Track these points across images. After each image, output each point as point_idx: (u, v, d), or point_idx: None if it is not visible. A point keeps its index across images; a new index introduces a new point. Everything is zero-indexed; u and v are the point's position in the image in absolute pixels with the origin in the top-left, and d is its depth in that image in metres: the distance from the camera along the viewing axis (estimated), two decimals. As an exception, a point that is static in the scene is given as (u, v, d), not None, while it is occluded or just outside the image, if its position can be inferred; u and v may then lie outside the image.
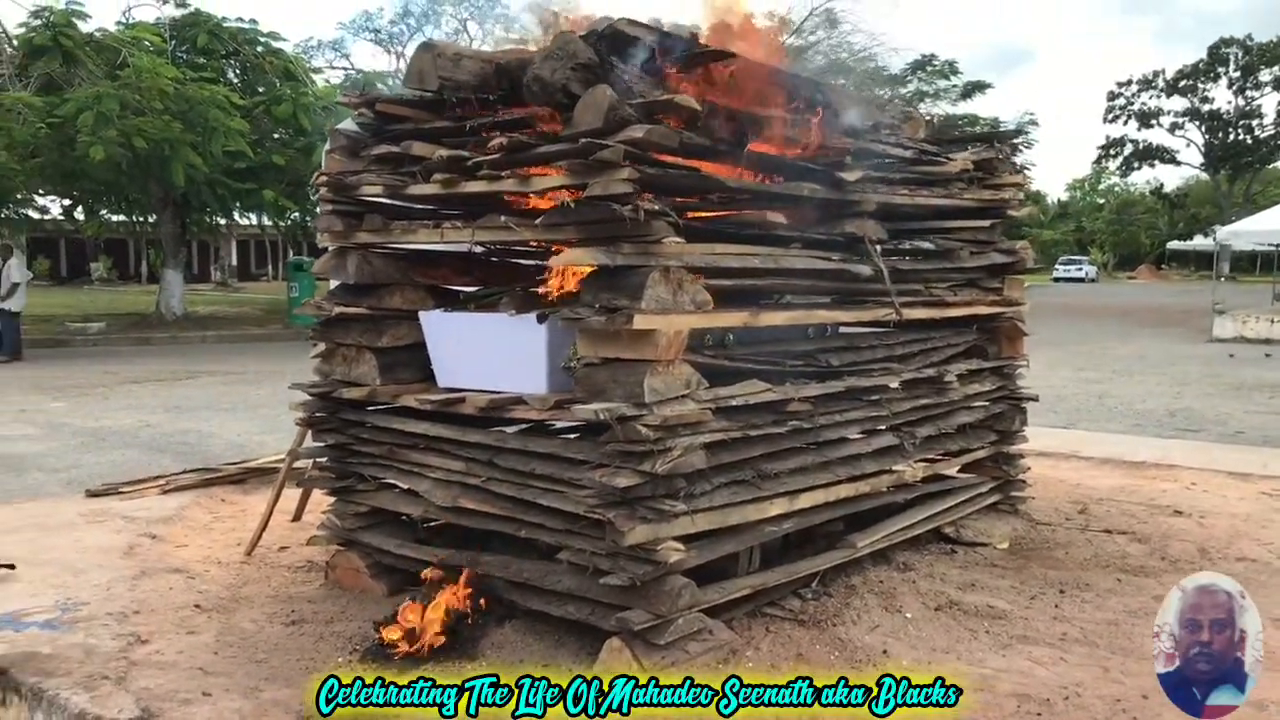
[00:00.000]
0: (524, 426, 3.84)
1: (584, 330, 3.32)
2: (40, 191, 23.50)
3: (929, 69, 37.57)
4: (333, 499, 4.29)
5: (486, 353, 3.75)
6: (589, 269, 3.36)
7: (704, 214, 3.86)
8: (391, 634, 3.57)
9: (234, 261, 49.11)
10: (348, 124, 4.15)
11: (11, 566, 4.14)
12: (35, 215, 25.40)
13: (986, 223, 4.94)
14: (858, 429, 4.21)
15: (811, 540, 4.28)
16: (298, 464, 4.90)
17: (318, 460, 4.32)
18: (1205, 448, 7.64)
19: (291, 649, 3.60)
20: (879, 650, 3.53)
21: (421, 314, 3.97)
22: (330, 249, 4.08)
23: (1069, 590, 4.17)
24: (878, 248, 4.12)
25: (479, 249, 4.27)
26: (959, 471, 5.09)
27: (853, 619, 3.78)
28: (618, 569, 3.27)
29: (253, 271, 52.34)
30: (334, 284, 4.13)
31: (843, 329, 4.50)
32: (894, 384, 4.38)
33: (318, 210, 4.23)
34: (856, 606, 3.89)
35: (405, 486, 4.05)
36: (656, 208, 3.22)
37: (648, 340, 3.22)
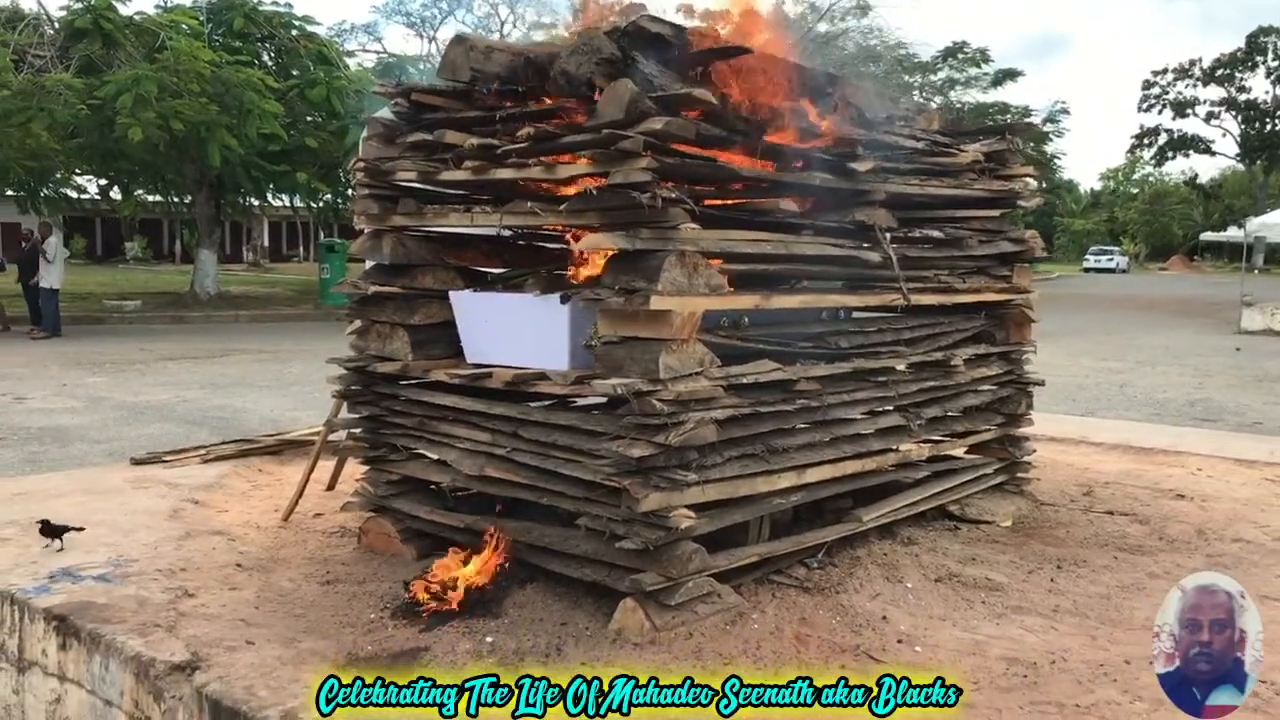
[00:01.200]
0: (552, 401, 4.06)
1: (604, 310, 3.53)
2: (78, 171, 24.00)
3: (960, 56, 37.43)
4: (366, 468, 4.53)
5: (512, 331, 3.97)
6: (610, 252, 3.58)
7: (720, 201, 4.07)
8: (420, 593, 3.80)
9: (266, 242, 49.71)
10: (384, 112, 4.36)
11: (80, 529, 4.39)
12: (73, 194, 25.93)
13: (996, 212, 5.10)
14: (865, 409, 4.40)
15: (820, 514, 4.49)
16: (332, 435, 5.15)
17: (352, 431, 4.57)
18: (1215, 435, 7.77)
19: (326, 605, 3.85)
20: (879, 616, 3.73)
21: (452, 294, 4.19)
22: (366, 231, 4.31)
23: (1066, 566, 4.36)
24: (887, 235, 4.31)
25: (507, 233, 4.49)
26: (966, 452, 5.26)
27: (855, 587, 3.98)
28: (632, 534, 3.48)
29: (284, 252, 52.95)
30: (369, 264, 4.35)
31: (856, 313, 4.70)
32: (901, 366, 4.56)
33: (351, 194, 4.46)
34: (860, 576, 4.09)
35: (435, 456, 4.28)
36: (674, 195, 3.42)
37: (663, 320, 3.43)
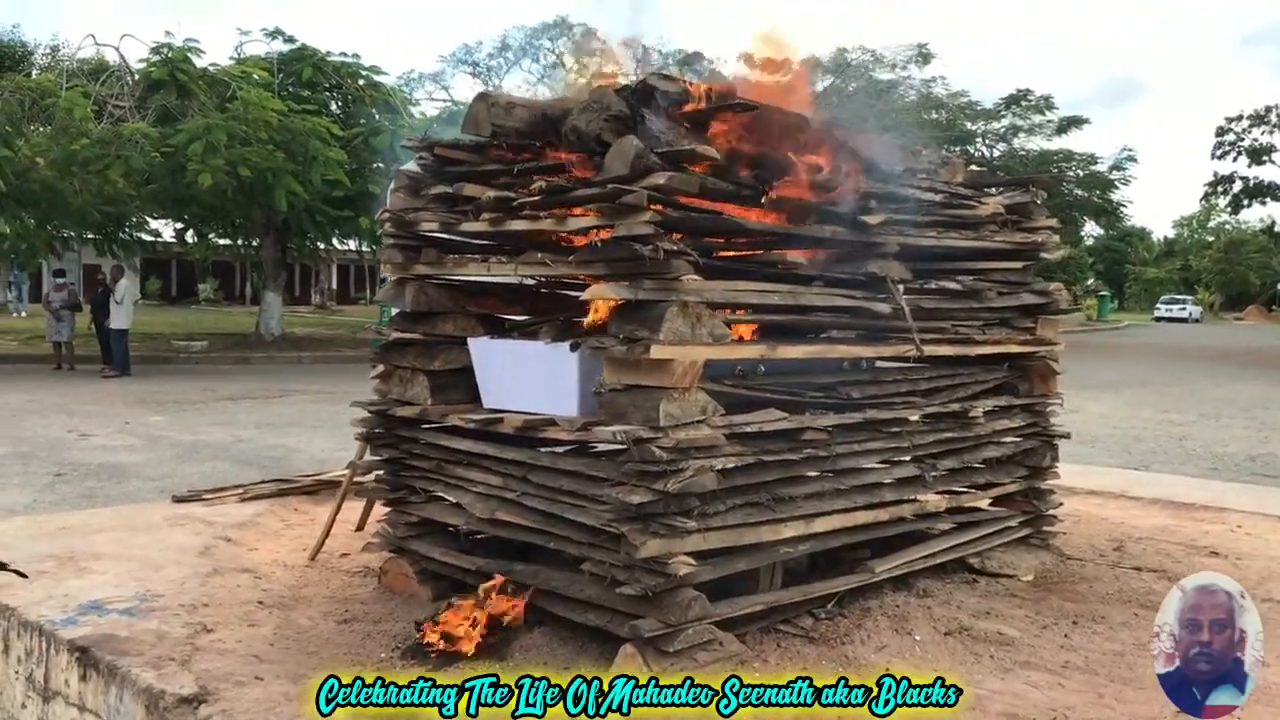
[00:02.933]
0: (571, 447, 4.14)
1: (609, 358, 3.62)
2: (153, 215, 24.87)
3: (1024, 104, 37.20)
4: (388, 509, 4.65)
5: (525, 377, 4.07)
6: (617, 302, 3.67)
7: (729, 253, 4.14)
8: (431, 635, 3.88)
9: (334, 285, 50.83)
10: (411, 165, 4.53)
11: (23, 575, 4.29)
12: (148, 238, 26.87)
13: (1019, 264, 5.09)
14: (877, 459, 4.41)
15: (837, 564, 4.49)
16: (362, 477, 5.28)
17: (377, 473, 4.70)
18: (1261, 491, 7.58)
19: (340, 643, 3.94)
20: (881, 668, 3.71)
21: (470, 340, 4.31)
22: (391, 279, 4.46)
23: (1082, 622, 4.30)
24: (900, 287, 4.34)
25: (529, 281, 4.61)
26: (990, 505, 5.22)
27: (862, 639, 3.97)
28: (633, 580, 3.53)
29: (352, 295, 54.08)
30: (394, 311, 4.50)
31: (879, 363, 4.72)
32: (914, 417, 4.57)
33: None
34: (868, 628, 4.08)
35: (452, 499, 4.38)
36: (676, 247, 3.51)
37: (665, 369, 3.50)
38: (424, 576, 4.45)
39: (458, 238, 4.38)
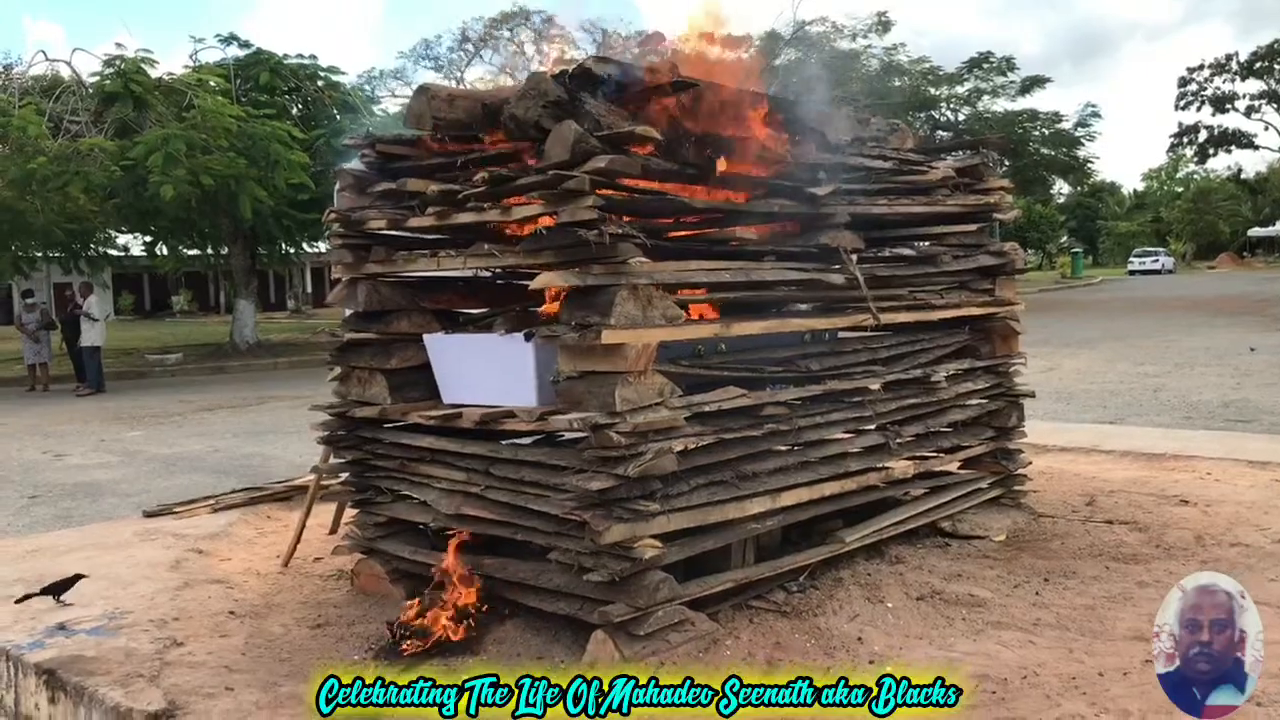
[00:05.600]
0: (536, 438, 4.12)
1: (562, 346, 3.60)
2: (121, 230, 24.62)
3: (985, 66, 37.22)
4: (356, 511, 4.62)
5: (483, 370, 4.05)
6: (567, 289, 3.64)
7: (679, 233, 4.12)
8: (403, 633, 3.87)
9: (309, 289, 50.46)
10: (355, 163, 4.48)
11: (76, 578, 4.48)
12: (115, 253, 26.60)
13: (973, 227, 5.10)
14: (841, 429, 4.41)
15: (810, 536, 4.49)
16: (329, 480, 5.25)
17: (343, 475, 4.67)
18: (1230, 438, 7.63)
19: (313, 649, 3.92)
20: (854, 637, 3.73)
21: (426, 336, 4.28)
22: (342, 280, 4.42)
23: (1054, 578, 4.32)
24: (854, 257, 4.33)
25: (486, 273, 4.58)
26: (960, 468, 5.24)
27: (834, 609, 3.98)
28: (599, 566, 3.53)
29: (327, 299, 53.74)
30: (347, 312, 4.46)
31: (841, 333, 4.71)
32: (876, 385, 4.57)
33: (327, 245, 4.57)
34: (840, 597, 4.09)
35: (418, 497, 4.36)
36: (622, 231, 3.49)
37: (618, 353, 3.48)
38: (396, 576, 4.43)
39: (406, 234, 4.34)
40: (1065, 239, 76.13)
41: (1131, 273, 59.16)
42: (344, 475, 4.71)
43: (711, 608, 3.90)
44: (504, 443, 4.01)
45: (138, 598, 4.45)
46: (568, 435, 4.05)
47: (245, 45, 23.82)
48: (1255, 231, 50.35)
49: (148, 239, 26.08)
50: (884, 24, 35.59)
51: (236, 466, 10.34)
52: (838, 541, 4.36)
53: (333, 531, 5.50)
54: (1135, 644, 3.60)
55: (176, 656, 3.77)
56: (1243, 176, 68.65)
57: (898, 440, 4.56)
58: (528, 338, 3.84)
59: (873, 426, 4.53)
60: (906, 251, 4.68)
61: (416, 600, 3.97)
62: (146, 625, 4.09)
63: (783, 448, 4.17)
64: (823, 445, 4.30)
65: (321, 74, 23.82)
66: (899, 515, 4.65)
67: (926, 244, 4.87)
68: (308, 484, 6.36)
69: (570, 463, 3.61)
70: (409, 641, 3.81)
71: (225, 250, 25.42)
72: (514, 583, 3.91)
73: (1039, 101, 41.05)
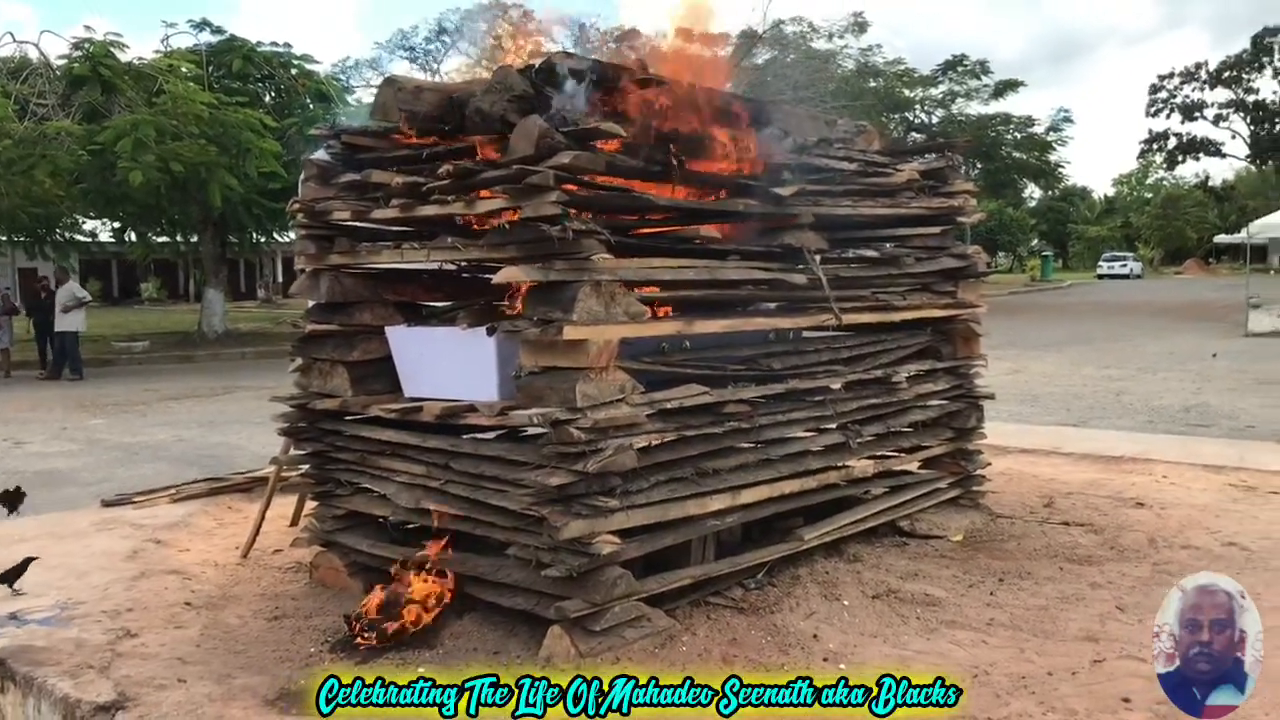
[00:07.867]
0: (498, 432, 4.12)
1: (524, 341, 3.60)
2: (89, 215, 24.32)
3: (960, 69, 37.47)
4: (316, 503, 4.60)
5: (444, 364, 4.04)
6: (530, 284, 3.64)
7: (644, 230, 4.13)
8: (359, 626, 3.85)
9: (279, 278, 50.05)
10: (321, 154, 4.46)
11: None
12: (83, 239, 26.27)
13: (937, 229, 5.14)
14: (802, 428, 4.44)
15: (770, 534, 4.52)
16: (290, 472, 5.22)
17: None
18: (1189, 442, 7.74)
19: (269, 641, 3.90)
20: (809, 635, 3.75)
21: (388, 329, 4.27)
22: (306, 270, 4.40)
23: (1008, 579, 4.37)
24: (817, 257, 4.35)
25: (449, 267, 4.57)
26: (920, 468, 5.28)
27: (791, 606, 4.01)
28: (557, 562, 3.53)
29: (290, 289, 53.32)
30: (310, 303, 4.44)
31: (805, 333, 4.74)
32: (837, 385, 4.60)
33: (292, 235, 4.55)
34: (797, 595, 4.11)
35: (378, 490, 4.34)
36: (586, 227, 3.49)
37: (580, 349, 3.49)
38: (355, 569, 4.42)
39: (370, 225, 4.32)
40: (1035, 242, 76.74)
41: (1100, 277, 59.76)
42: (304, 467, 4.69)
43: (670, 604, 3.91)
44: (465, 437, 4.00)
45: (92, 588, 4.41)
46: (529, 431, 4.06)
47: (218, 31, 23.62)
48: (1221, 238, 50.96)
49: (116, 225, 25.80)
50: (860, 24, 35.75)
51: (200, 456, 10.26)
52: (797, 539, 4.38)
53: (293, 523, 5.47)
54: (1085, 644, 3.66)
55: (129, 648, 3.74)
56: (1210, 184, 69.42)
57: (858, 439, 4.59)
58: (490, 332, 3.84)
59: (834, 425, 4.56)
60: (870, 253, 4.71)
61: (374, 593, 3.96)
62: (99, 616, 4.06)
63: (744, 445, 4.19)
64: (784, 443, 4.33)
65: (295, 62, 23.64)
66: (858, 514, 4.68)
67: (890, 246, 4.89)
68: (269, 475, 6.33)
69: (530, 458, 3.61)
70: (366, 635, 3.80)
71: (195, 238, 25.18)
72: (472, 577, 3.91)
73: (1013, 105, 41.43)
